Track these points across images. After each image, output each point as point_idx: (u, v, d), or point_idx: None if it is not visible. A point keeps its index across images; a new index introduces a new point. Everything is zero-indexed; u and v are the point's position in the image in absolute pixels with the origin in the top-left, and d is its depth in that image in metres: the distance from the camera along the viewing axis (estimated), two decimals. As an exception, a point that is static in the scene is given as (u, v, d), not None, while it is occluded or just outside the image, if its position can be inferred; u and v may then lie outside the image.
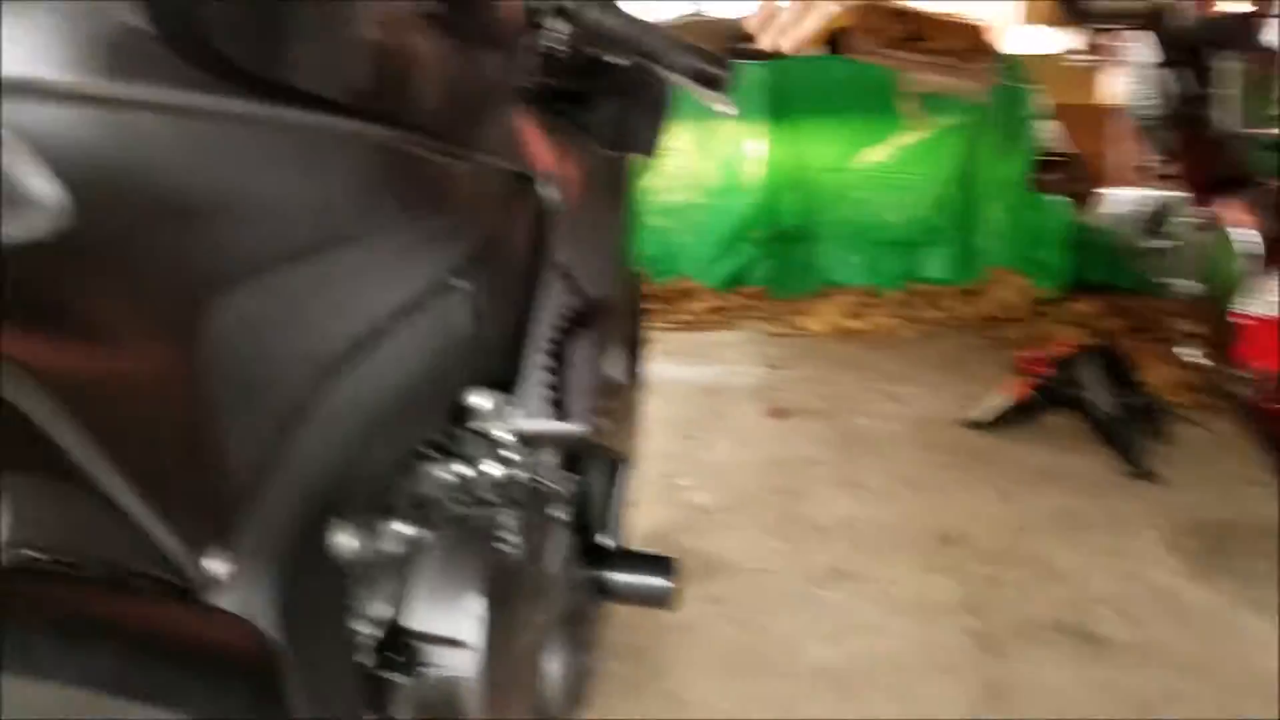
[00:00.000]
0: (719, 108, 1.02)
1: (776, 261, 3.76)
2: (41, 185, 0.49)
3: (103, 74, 0.53)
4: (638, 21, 0.97)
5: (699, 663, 1.71)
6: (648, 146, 1.21)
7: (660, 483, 2.42)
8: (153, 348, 0.50)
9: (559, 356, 0.80)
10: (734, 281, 3.77)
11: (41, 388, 0.41)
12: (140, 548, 0.46)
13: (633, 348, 1.08)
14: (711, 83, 0.95)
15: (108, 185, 0.51)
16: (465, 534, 0.70)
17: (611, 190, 0.95)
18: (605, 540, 1.00)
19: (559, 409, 0.78)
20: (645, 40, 0.98)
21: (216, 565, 0.51)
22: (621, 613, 1.80)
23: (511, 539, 0.70)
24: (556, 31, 0.99)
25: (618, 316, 0.92)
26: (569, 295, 0.84)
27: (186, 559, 0.49)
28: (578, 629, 0.85)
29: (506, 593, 0.69)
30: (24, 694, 0.38)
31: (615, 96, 1.16)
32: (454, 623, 0.66)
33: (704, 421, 2.84)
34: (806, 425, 2.80)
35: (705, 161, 3.76)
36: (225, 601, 0.52)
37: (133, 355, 0.48)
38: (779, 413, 2.89)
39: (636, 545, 1.04)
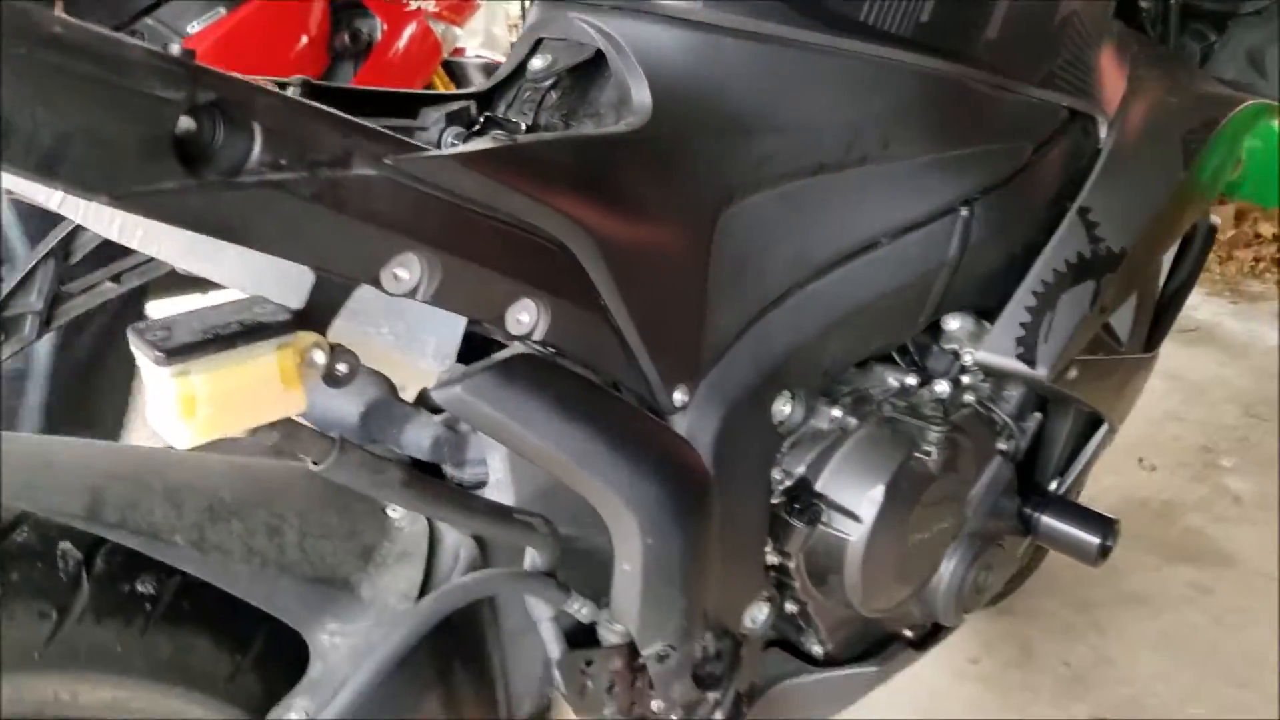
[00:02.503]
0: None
1: None
2: (639, 91, 0.66)
3: (710, 2, 0.67)
4: None
5: (1149, 636, 1.62)
6: None
7: (1199, 459, 2.19)
8: (679, 229, 0.66)
9: (1048, 300, 0.81)
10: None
11: (594, 242, 0.59)
12: (628, 369, 0.64)
13: (1159, 312, 1.01)
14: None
15: (684, 96, 0.67)
16: (889, 433, 0.79)
17: (1187, 133, 0.88)
18: (1053, 486, 1.00)
19: (1025, 349, 0.80)
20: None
21: (679, 395, 0.68)
22: (1087, 569, 1.75)
23: (928, 449, 0.78)
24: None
25: (1139, 274, 0.88)
26: (1085, 243, 0.83)
27: (659, 385, 0.66)
28: (989, 551, 0.91)
29: (906, 492, 0.77)
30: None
31: (1262, 23, 1.02)
32: (854, 499, 0.77)
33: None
34: None
35: None
36: (677, 426, 0.69)
37: (662, 232, 0.65)
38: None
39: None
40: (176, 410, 0.41)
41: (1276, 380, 2.58)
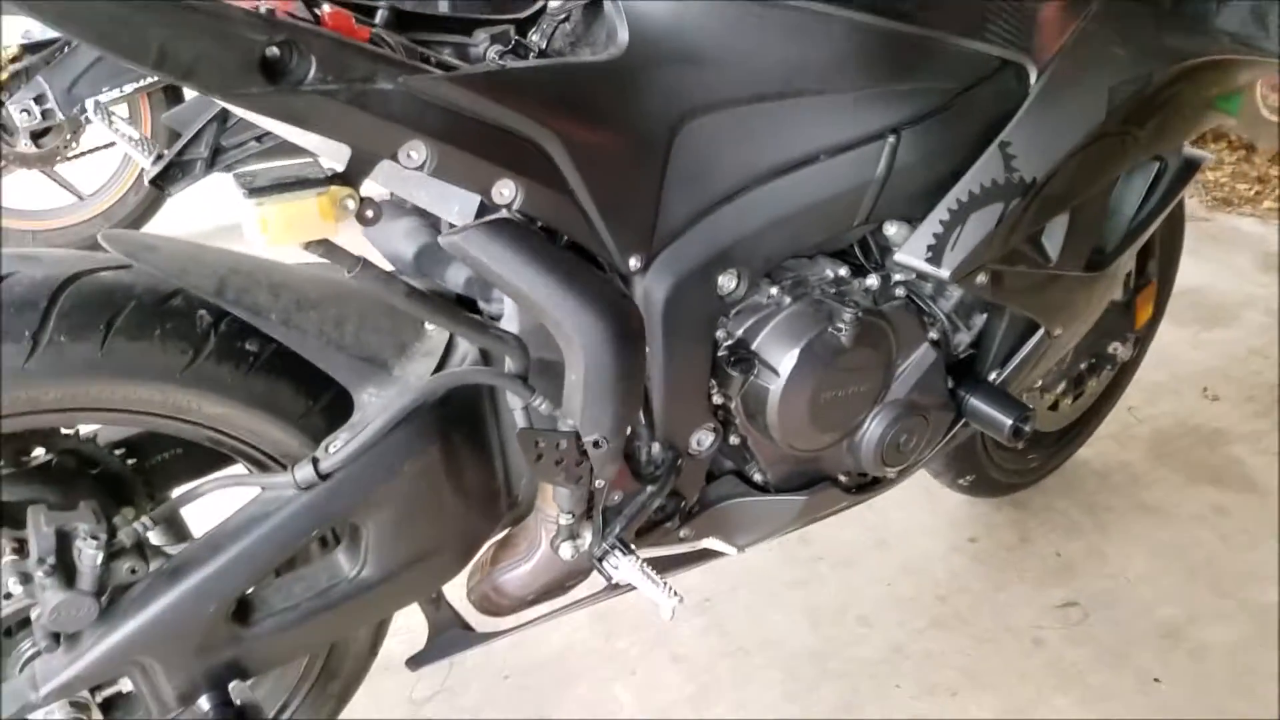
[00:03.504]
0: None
1: None
2: (621, 30, 0.88)
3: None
4: None
5: (1149, 543, 1.75)
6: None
7: (1269, 395, 2.21)
8: (638, 136, 0.89)
9: (960, 216, 0.99)
10: None
11: (560, 141, 0.83)
12: (590, 237, 0.88)
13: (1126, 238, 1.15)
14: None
15: (654, 36, 0.88)
16: (813, 310, 1.00)
17: (1118, 83, 1.01)
18: (991, 376, 1.18)
19: (934, 254, 0.99)
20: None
21: (634, 261, 0.92)
22: (1113, 479, 1.88)
23: (840, 326, 0.99)
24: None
25: (1058, 203, 1.03)
26: (1001, 172, 0.99)
27: (616, 253, 0.90)
28: (911, 419, 1.11)
29: (817, 355, 0.99)
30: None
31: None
32: (776, 358, 1.00)
33: None
34: None
35: None
36: (636, 286, 0.93)
37: (622, 138, 0.88)
38: None
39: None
40: (257, 227, 0.70)
41: (1393, 331, 2.50)
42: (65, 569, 0.80)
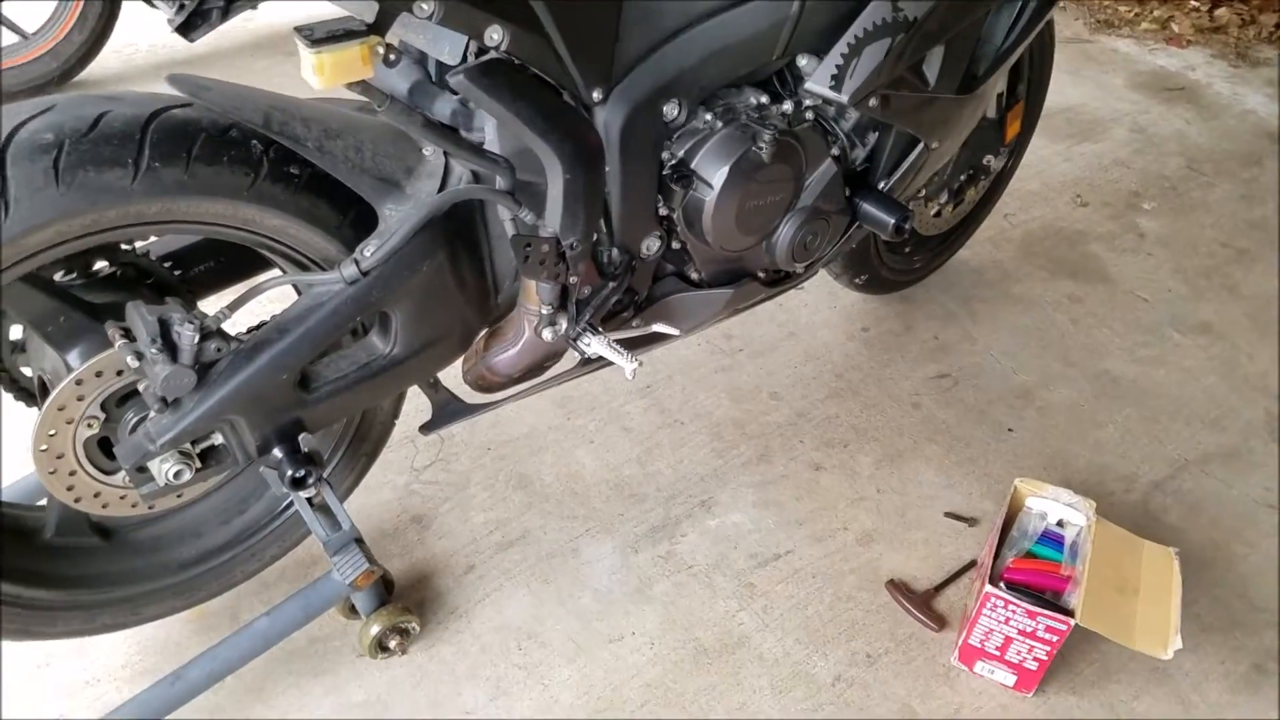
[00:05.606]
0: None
1: None
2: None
3: None
4: None
5: (1012, 326, 2.10)
6: None
7: (1125, 200, 2.52)
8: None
9: (856, 49, 1.22)
10: None
11: None
12: (562, 74, 1.08)
13: (994, 64, 1.40)
14: None
15: None
16: (739, 132, 1.24)
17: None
18: (881, 185, 1.45)
19: (836, 81, 1.23)
20: None
21: (596, 94, 1.13)
22: (986, 275, 2.19)
23: (761, 146, 1.23)
24: None
25: (935, 36, 1.27)
26: (889, 11, 1.22)
27: (582, 86, 1.11)
28: (816, 223, 1.38)
29: (743, 170, 1.23)
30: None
31: None
32: (710, 173, 1.24)
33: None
34: None
35: None
36: (598, 115, 1.14)
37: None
38: None
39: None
40: (314, 70, 0.89)
41: (1234, 141, 2.85)
42: (169, 347, 1.02)
